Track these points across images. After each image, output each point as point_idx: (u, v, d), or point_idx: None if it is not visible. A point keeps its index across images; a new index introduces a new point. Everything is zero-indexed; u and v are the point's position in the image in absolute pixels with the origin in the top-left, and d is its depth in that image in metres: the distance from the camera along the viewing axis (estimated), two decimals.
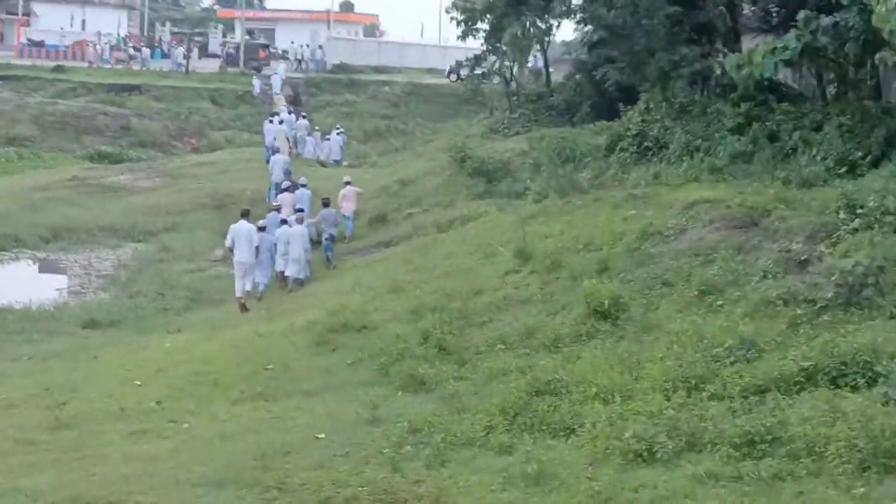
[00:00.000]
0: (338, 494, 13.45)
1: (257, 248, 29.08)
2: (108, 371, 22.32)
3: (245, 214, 30.06)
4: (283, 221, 30.95)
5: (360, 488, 13.48)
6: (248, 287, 29.10)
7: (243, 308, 28.43)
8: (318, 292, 28.33)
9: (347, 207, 36.19)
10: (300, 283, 30.36)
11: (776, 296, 17.95)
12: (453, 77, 72.70)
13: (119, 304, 29.40)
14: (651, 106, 33.06)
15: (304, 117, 58.85)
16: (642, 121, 32.60)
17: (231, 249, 29.47)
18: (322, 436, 16.33)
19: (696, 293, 19.17)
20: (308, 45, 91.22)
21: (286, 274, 30.40)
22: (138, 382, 21.01)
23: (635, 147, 31.88)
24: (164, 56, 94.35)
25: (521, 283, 23.15)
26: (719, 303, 18.51)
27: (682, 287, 19.74)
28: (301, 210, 32.56)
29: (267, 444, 15.78)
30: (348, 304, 24.22)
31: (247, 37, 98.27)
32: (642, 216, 24.15)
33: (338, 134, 56.42)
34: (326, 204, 33.94)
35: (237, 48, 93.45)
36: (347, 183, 37.11)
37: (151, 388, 20.56)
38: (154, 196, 45.17)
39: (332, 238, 33.17)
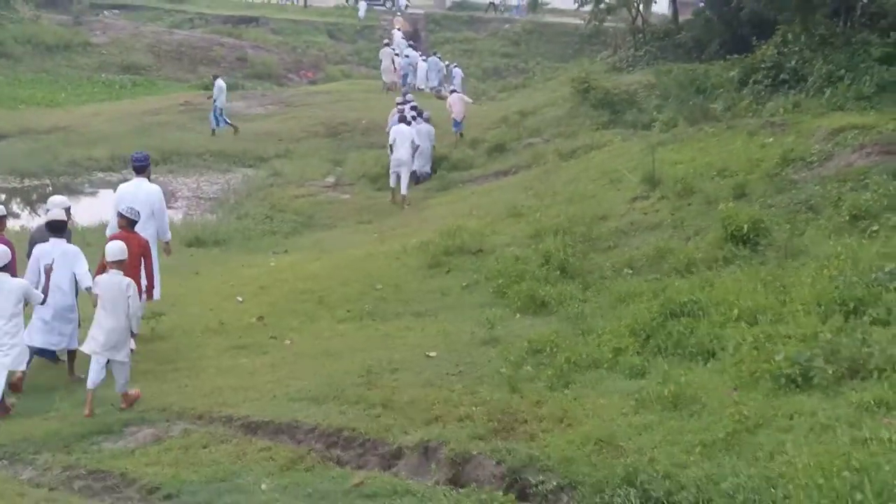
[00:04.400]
0: (449, 413, 12.09)
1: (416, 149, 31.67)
2: (210, 287, 21.44)
3: (405, 121, 32.20)
4: (403, 120, 32.63)
5: (474, 408, 12.10)
6: (393, 184, 31.32)
7: (394, 200, 30.97)
8: (433, 217, 27.06)
9: (458, 112, 38.60)
10: (426, 175, 34.00)
11: None
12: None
13: (226, 225, 28.39)
14: (789, 38, 31.03)
15: (435, 55, 58.97)
16: (778, 53, 30.62)
17: (391, 147, 31.35)
18: (433, 354, 15.10)
19: (846, 218, 17.22)
20: None
21: (413, 168, 32.27)
22: (240, 299, 20.10)
23: (770, 80, 29.89)
24: None
25: (649, 208, 21.57)
26: (874, 228, 16.55)
27: (831, 212, 17.87)
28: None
29: (373, 362, 14.52)
30: (464, 226, 22.92)
31: None
32: (782, 142, 22.33)
33: (455, 67, 56.47)
34: (427, 119, 34.73)
35: None
36: (453, 91, 39.89)
37: (254, 304, 19.67)
38: (267, 123, 44.24)
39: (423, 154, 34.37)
